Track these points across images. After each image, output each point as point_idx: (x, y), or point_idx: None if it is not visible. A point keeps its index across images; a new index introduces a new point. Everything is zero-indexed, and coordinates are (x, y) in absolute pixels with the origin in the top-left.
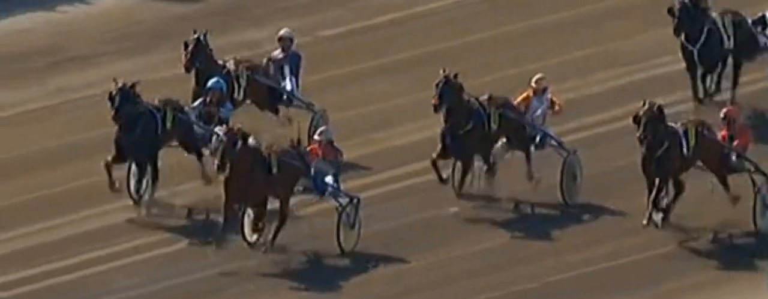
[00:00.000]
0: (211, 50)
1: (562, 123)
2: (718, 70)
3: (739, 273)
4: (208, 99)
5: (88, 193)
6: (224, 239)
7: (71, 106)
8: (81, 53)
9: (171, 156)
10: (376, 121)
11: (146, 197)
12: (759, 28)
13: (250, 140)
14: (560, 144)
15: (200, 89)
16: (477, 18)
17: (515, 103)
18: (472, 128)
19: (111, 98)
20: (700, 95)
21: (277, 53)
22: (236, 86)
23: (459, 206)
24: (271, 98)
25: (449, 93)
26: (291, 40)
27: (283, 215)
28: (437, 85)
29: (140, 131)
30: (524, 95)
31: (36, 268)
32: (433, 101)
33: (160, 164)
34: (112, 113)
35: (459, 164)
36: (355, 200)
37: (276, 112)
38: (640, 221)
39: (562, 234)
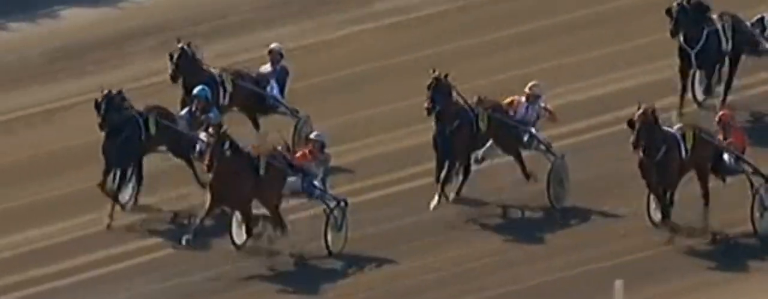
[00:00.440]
0: (198, 59)
1: (553, 128)
2: (714, 73)
3: (739, 274)
4: (194, 108)
5: (84, 198)
6: (195, 237)
7: (68, 112)
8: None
9: (164, 162)
10: (367, 126)
11: (132, 202)
12: (758, 31)
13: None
14: (548, 148)
15: (188, 98)
16: (468, 25)
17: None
18: (459, 126)
19: (97, 106)
20: (693, 96)
21: (266, 67)
22: (222, 91)
23: (450, 210)
24: (256, 104)
25: (441, 95)
26: (281, 54)
27: (279, 220)
28: (429, 87)
29: (123, 138)
30: (511, 99)
31: (31, 272)
32: (425, 104)
33: (160, 168)
34: (99, 120)
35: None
36: (342, 203)
37: (257, 127)
38: (633, 224)
39: (553, 236)
